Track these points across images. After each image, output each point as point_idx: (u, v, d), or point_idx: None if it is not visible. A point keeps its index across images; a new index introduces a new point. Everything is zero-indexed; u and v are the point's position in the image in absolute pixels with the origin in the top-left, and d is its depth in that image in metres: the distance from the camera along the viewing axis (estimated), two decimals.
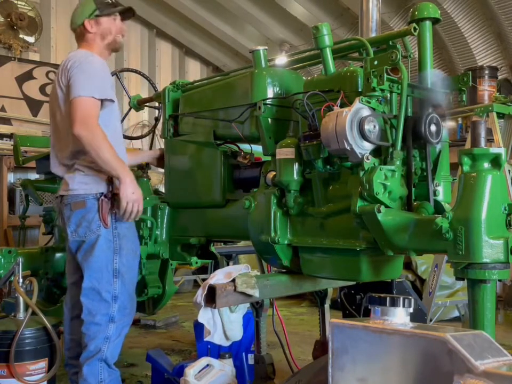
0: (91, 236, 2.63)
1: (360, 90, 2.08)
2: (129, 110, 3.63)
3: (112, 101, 2.66)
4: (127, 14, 2.90)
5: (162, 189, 3.49)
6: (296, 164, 2.23)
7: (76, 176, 2.67)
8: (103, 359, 2.60)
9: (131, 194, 2.58)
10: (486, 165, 1.78)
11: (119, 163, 2.58)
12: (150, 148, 3.91)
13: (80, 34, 2.82)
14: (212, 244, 2.95)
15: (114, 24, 2.82)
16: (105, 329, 2.60)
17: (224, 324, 2.44)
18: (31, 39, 8.60)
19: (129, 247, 2.70)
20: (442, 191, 2.16)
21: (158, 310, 3.51)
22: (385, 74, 1.97)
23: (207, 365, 2.40)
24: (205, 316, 2.33)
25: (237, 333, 2.52)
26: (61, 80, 2.66)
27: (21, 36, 8.50)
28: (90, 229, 2.63)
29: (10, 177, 7.58)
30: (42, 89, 8.46)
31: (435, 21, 2.15)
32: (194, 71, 10.58)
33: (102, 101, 2.61)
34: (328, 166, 2.15)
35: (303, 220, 2.29)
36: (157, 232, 2.95)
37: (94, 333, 2.61)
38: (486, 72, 6.69)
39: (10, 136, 6.93)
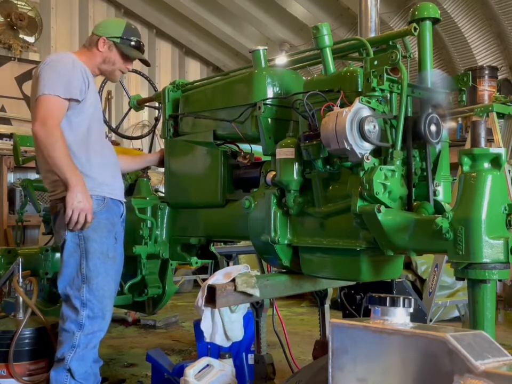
0: (61, 240, 2.58)
1: (360, 90, 2.08)
2: (129, 110, 3.63)
3: (77, 101, 2.55)
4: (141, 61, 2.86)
5: (162, 189, 3.49)
6: (296, 163, 2.23)
7: (49, 177, 2.64)
8: (67, 368, 2.52)
9: (77, 203, 2.45)
10: (486, 165, 1.78)
11: (70, 167, 2.46)
12: (150, 149, 3.91)
13: (91, 42, 2.76)
14: (212, 244, 2.94)
15: (123, 61, 2.78)
16: (72, 337, 2.53)
17: (225, 324, 2.44)
18: (31, 39, 8.60)
19: (96, 249, 2.56)
20: (442, 191, 2.15)
21: (158, 310, 3.51)
22: (385, 74, 1.97)
23: (207, 365, 2.40)
24: (205, 323, 2.34)
25: (238, 333, 2.52)
26: (34, 81, 2.60)
27: (21, 36, 8.50)
28: (59, 233, 2.58)
29: (10, 177, 7.59)
30: None
31: (435, 21, 2.15)
32: (194, 71, 10.59)
33: (69, 100, 2.53)
34: (328, 166, 2.14)
35: (303, 220, 2.29)
36: (157, 232, 2.94)
37: (64, 339, 2.56)
38: (486, 72, 6.68)
39: (10, 136, 6.91)
